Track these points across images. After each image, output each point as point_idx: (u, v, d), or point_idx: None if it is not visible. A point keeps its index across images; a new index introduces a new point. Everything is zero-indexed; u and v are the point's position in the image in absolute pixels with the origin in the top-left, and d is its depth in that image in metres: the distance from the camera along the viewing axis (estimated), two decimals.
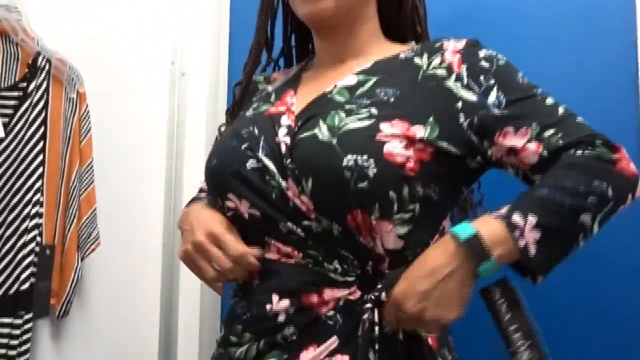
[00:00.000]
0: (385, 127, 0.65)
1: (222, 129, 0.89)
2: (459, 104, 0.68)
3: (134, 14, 1.39)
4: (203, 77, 1.40)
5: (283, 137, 0.69)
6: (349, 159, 0.63)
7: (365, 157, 0.63)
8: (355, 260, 0.67)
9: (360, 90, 0.71)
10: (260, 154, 0.69)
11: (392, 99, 0.68)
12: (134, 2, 1.38)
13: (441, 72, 0.70)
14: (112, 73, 1.35)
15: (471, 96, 0.68)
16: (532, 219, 0.61)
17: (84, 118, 1.17)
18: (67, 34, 1.35)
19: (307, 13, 0.75)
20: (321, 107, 0.71)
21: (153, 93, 1.38)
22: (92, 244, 1.17)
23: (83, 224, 1.16)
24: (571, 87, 1.11)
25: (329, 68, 0.79)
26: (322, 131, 0.66)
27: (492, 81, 0.68)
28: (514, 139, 0.66)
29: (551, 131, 0.66)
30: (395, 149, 0.64)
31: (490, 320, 0.67)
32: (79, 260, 1.14)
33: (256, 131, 0.72)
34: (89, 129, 1.18)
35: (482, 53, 0.71)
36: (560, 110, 0.68)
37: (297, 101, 0.75)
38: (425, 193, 0.67)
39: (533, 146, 0.66)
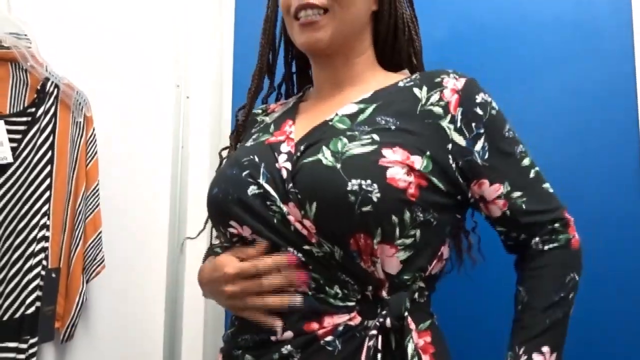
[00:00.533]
0: (388, 153, 0.67)
1: (224, 153, 0.91)
2: (450, 146, 0.71)
3: (140, 37, 1.41)
4: (207, 100, 1.42)
5: (283, 163, 0.71)
6: (353, 183, 0.64)
7: (369, 181, 0.64)
8: (355, 284, 0.68)
9: (361, 117, 0.73)
10: (261, 180, 0.71)
11: (392, 127, 0.70)
12: (139, 25, 1.41)
13: (438, 110, 0.72)
14: (117, 96, 1.37)
15: (461, 140, 0.71)
16: (546, 349, 0.67)
17: (91, 141, 1.19)
18: (72, 57, 1.38)
19: (303, 43, 0.78)
20: (322, 133, 0.72)
21: (158, 115, 1.40)
22: (97, 266, 1.17)
23: (88, 246, 1.16)
24: (570, 105, 1.13)
25: (327, 96, 0.81)
26: (325, 156, 0.68)
27: (482, 130, 0.72)
28: (487, 191, 0.72)
29: (519, 193, 0.72)
30: (397, 174, 0.66)
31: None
32: (84, 283, 1.14)
33: (256, 159, 0.74)
34: (95, 152, 1.19)
35: (478, 98, 0.73)
36: (532, 174, 0.74)
37: (296, 129, 0.77)
38: (425, 218, 0.69)
39: (501, 202, 0.72)
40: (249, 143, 0.81)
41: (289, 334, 0.69)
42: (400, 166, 0.66)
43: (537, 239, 0.72)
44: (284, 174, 0.70)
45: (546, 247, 0.72)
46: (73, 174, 1.14)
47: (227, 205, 0.73)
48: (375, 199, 0.64)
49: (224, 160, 0.89)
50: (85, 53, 1.26)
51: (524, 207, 0.72)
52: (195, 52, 1.43)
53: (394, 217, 0.66)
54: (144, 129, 1.37)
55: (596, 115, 1.12)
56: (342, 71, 0.81)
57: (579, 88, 1.13)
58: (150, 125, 1.38)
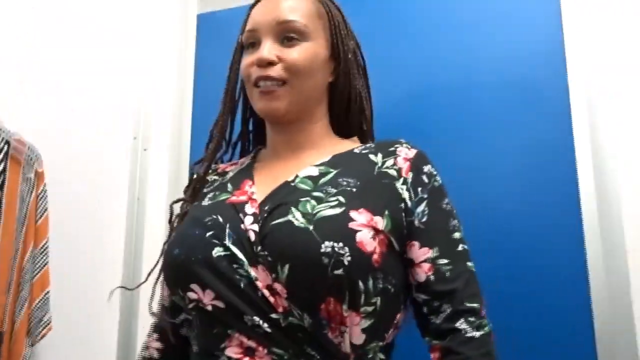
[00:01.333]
0: (355, 215, 0.68)
1: (175, 207, 0.86)
2: (402, 205, 0.74)
3: (97, 89, 1.41)
4: (164, 152, 1.42)
5: (250, 225, 0.70)
6: (326, 245, 0.64)
7: (341, 244, 0.64)
8: (321, 359, 0.66)
9: (324, 179, 0.74)
10: (227, 242, 0.69)
11: (354, 189, 0.72)
12: (97, 77, 1.41)
13: (392, 172, 0.76)
14: (72, 148, 1.35)
15: (409, 202, 0.74)
16: None
17: (42, 197, 1.16)
18: (29, 109, 1.36)
19: (261, 109, 0.80)
20: (286, 195, 0.72)
21: (114, 167, 1.38)
22: (43, 328, 1.13)
23: (35, 307, 1.12)
24: (511, 163, 1.19)
25: (284, 158, 0.82)
26: (296, 217, 0.67)
27: (425, 195, 0.75)
28: (415, 253, 0.73)
29: (445, 261, 0.73)
30: (365, 238, 0.67)
31: None
32: (28, 346, 1.09)
33: (220, 219, 0.72)
34: (46, 208, 1.16)
35: (425, 168, 0.78)
36: (460, 247, 0.75)
37: (258, 190, 0.77)
38: (384, 285, 0.69)
39: (426, 266, 0.73)
40: (206, 202, 0.79)
41: None
42: (367, 229, 0.67)
43: (463, 322, 0.71)
44: (252, 236, 0.68)
45: (477, 334, 0.71)
46: (21, 231, 1.11)
47: (190, 267, 0.69)
48: (346, 263, 0.64)
49: (180, 219, 0.86)
50: (40, 104, 1.25)
51: (447, 274, 0.72)
52: (154, 104, 1.44)
53: (360, 283, 0.66)
54: (99, 182, 1.35)
55: (536, 170, 1.18)
56: (299, 136, 0.83)
57: (519, 145, 1.20)
58: (105, 178, 1.36)
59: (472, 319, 0.71)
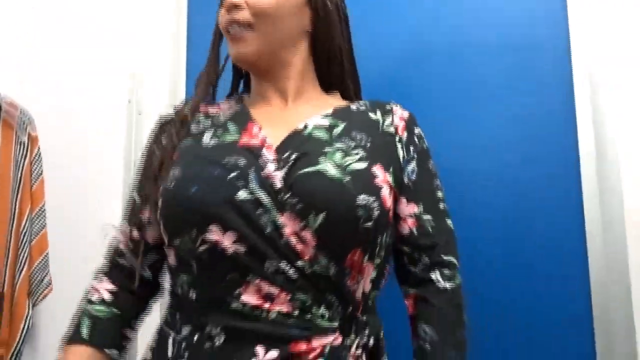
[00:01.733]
0: (376, 172, 0.70)
1: (156, 149, 0.79)
2: (398, 164, 0.76)
3: (91, 52, 1.39)
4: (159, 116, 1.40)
5: (274, 172, 0.68)
6: (361, 198, 0.66)
7: (373, 198, 0.67)
8: (339, 305, 0.68)
9: (336, 131, 0.74)
10: (254, 186, 0.67)
11: (368, 144, 0.74)
12: (90, 40, 1.38)
13: (391, 130, 0.78)
14: (67, 112, 1.34)
15: (401, 160, 0.77)
16: None
17: (36, 161, 1.16)
18: (23, 73, 1.33)
19: (232, 55, 0.78)
20: (303, 143, 0.71)
21: (109, 131, 1.37)
22: (44, 290, 1.14)
23: (34, 269, 1.13)
24: (511, 128, 1.18)
25: (276, 104, 0.80)
26: (328, 167, 0.68)
27: (415, 155, 0.79)
28: (402, 208, 0.76)
29: (428, 217, 0.77)
30: (386, 194, 0.70)
31: None
32: (30, 307, 1.11)
33: (241, 162, 0.69)
34: (41, 172, 1.16)
35: (416, 130, 0.81)
36: (441, 206, 0.80)
37: (268, 135, 0.74)
38: (386, 240, 0.73)
39: (411, 221, 0.76)
40: (210, 141, 0.74)
41: (273, 354, 0.64)
42: (386, 186, 0.70)
43: (437, 273, 0.75)
44: (278, 183, 0.67)
45: (448, 285, 0.75)
46: (17, 195, 1.11)
47: (211, 207, 0.66)
48: (375, 216, 0.67)
49: (170, 154, 0.77)
50: (34, 68, 1.23)
51: (430, 230, 0.76)
52: (148, 67, 1.42)
53: (379, 237, 0.69)
54: (94, 146, 1.34)
55: (535, 137, 1.16)
56: (282, 83, 0.80)
57: (518, 112, 1.17)
58: (101, 141, 1.36)
59: (446, 271, 0.75)
